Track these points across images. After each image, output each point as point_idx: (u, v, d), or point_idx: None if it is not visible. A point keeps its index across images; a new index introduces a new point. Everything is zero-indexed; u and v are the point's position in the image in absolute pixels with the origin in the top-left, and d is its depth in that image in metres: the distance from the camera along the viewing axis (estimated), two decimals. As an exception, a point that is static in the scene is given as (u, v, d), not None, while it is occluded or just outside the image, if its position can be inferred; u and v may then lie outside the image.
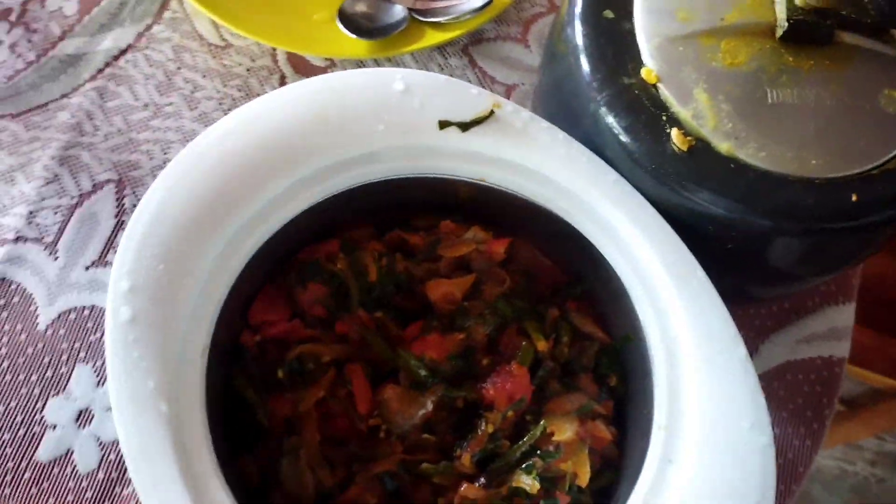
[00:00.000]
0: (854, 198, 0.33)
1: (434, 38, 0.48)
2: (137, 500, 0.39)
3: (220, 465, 0.31)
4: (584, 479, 0.34)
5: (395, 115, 0.35)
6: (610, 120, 0.35)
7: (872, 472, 1.17)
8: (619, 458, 0.36)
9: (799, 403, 0.42)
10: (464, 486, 0.34)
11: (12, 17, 0.50)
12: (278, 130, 0.35)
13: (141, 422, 0.30)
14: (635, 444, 0.35)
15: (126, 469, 0.39)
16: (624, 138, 0.34)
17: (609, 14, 0.37)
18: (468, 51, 0.51)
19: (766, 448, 0.30)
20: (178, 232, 0.33)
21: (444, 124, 0.35)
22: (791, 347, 0.44)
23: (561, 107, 0.39)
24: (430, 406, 0.35)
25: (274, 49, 0.50)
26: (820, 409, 0.42)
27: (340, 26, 0.48)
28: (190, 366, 0.32)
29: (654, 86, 0.35)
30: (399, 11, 0.49)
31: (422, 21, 0.49)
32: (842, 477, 1.17)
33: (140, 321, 0.31)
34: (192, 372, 0.32)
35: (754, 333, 0.44)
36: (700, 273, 0.33)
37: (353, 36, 0.47)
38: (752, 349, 0.44)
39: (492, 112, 0.36)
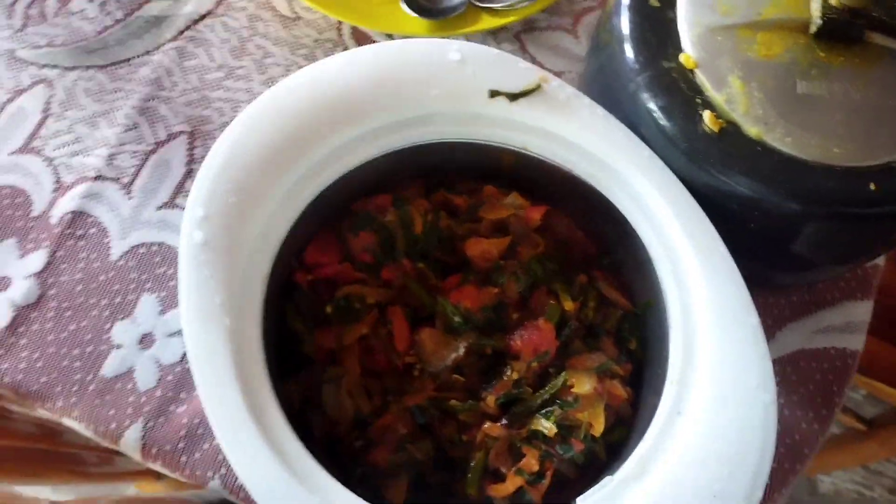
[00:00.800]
0: (872, 187, 0.35)
1: (489, 22, 0.52)
2: (189, 419, 0.43)
3: (269, 380, 0.34)
4: (598, 429, 0.37)
5: (449, 82, 0.39)
6: (647, 99, 0.38)
7: (891, 498, 1.17)
8: (632, 417, 0.39)
9: (810, 389, 0.45)
10: (487, 425, 0.37)
11: (105, -21, 0.54)
12: (341, 89, 0.38)
13: (207, 331, 0.33)
14: (649, 401, 0.37)
15: (180, 389, 0.43)
16: (659, 117, 0.37)
17: (654, 3, 0.39)
18: (520, 37, 0.54)
19: (769, 405, 0.33)
20: (248, 171, 0.36)
21: (494, 93, 0.39)
22: (807, 336, 0.46)
23: (603, 90, 0.42)
24: (461, 350, 0.38)
25: (340, 23, 0.54)
26: (829, 397, 0.44)
27: (403, 5, 0.51)
28: (252, 289, 0.35)
29: (692, 71, 0.38)
30: (459, -4, 0.52)
31: (479, 6, 0.52)
32: (860, 502, 1.17)
33: (211, 245, 0.35)
34: (254, 295, 0.35)
35: (772, 321, 0.46)
36: (721, 247, 0.36)
37: (415, 15, 0.51)
38: (770, 335, 0.46)
39: (539, 86, 0.39)
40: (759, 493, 0.31)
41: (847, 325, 0.46)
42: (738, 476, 0.32)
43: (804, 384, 0.45)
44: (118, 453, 0.50)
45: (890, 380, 0.83)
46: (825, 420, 0.44)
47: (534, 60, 0.53)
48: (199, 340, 0.33)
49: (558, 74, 0.52)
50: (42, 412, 0.48)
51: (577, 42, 0.54)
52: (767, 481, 0.41)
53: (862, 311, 0.46)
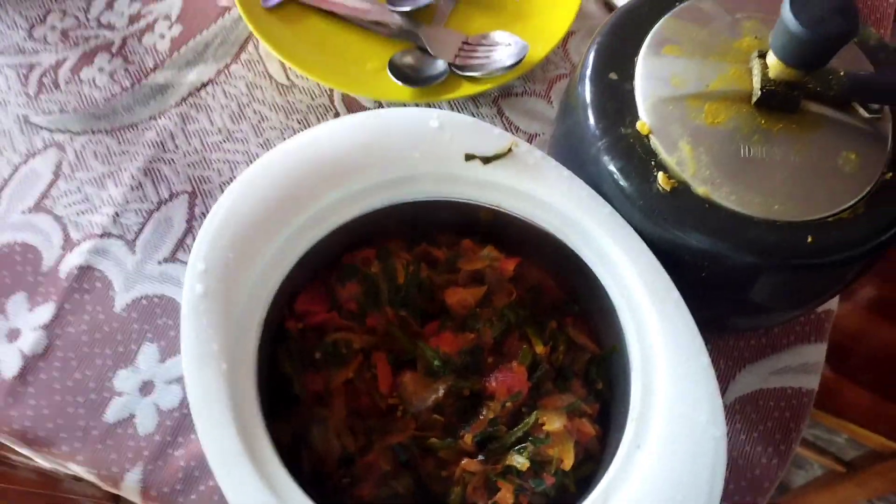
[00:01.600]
0: (810, 239, 0.39)
1: (469, 89, 0.56)
2: (186, 462, 0.46)
3: (262, 420, 0.37)
4: (568, 463, 0.40)
5: (429, 146, 0.43)
6: (608, 162, 0.42)
7: (876, 541, 1.18)
8: (600, 453, 0.42)
9: (769, 426, 0.48)
10: (464, 461, 0.40)
11: (113, 50, 0.59)
12: (331, 153, 0.42)
13: (205, 376, 0.36)
14: (615, 438, 0.40)
15: (178, 434, 0.46)
16: (618, 178, 0.41)
17: (614, 76, 0.44)
18: (498, 102, 0.59)
19: (719, 439, 0.36)
20: (245, 228, 0.40)
21: (469, 157, 0.43)
22: (765, 377, 0.49)
23: (569, 151, 0.46)
24: (441, 392, 0.41)
25: (331, 90, 0.58)
26: (787, 433, 0.47)
27: (390, 75, 0.56)
28: (247, 336, 0.39)
29: (647, 136, 0.42)
30: (441, 65, 0.57)
31: (459, 74, 0.57)
32: (845, 544, 1.18)
33: (209, 296, 0.38)
34: (248, 340, 0.39)
35: (732, 363, 0.50)
36: (675, 294, 0.40)
37: (400, 83, 0.55)
38: (730, 377, 0.49)
39: (510, 150, 0.43)
40: (711, 520, 0.34)
41: (802, 366, 0.49)
42: (691, 502, 0.34)
43: (763, 422, 0.48)
44: (117, 501, 0.52)
45: (868, 425, 0.86)
46: (784, 455, 0.47)
47: (511, 123, 0.58)
48: (198, 384, 0.36)
49: (533, 136, 0.57)
50: (45, 459, 0.50)
51: (550, 107, 0.58)
52: (729, 514, 0.44)
53: (816, 353, 0.50)
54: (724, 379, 0.49)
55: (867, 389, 0.87)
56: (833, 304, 0.52)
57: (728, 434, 0.47)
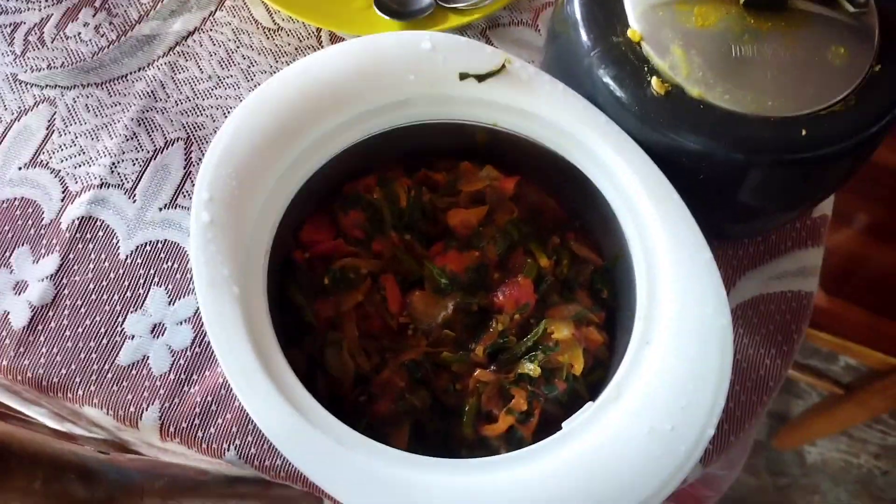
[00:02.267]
0: (804, 132, 0.40)
1: (455, 21, 0.56)
2: (202, 397, 0.46)
3: (277, 342, 0.38)
4: (578, 369, 0.41)
5: (423, 68, 0.43)
6: (601, 72, 0.42)
7: (876, 464, 1.21)
8: (609, 359, 0.43)
9: (770, 329, 0.49)
10: (477, 372, 0.41)
11: (97, 4, 0.58)
12: (325, 80, 0.42)
13: (218, 300, 0.37)
14: (622, 343, 0.41)
15: (192, 371, 0.47)
16: (612, 86, 0.42)
17: (602, -12, 0.44)
18: (486, 34, 0.59)
19: (724, 327, 0.37)
20: (246, 157, 0.40)
21: (463, 76, 0.43)
22: (764, 283, 0.50)
23: (562, 71, 0.46)
24: (450, 308, 0.42)
25: (319, 31, 0.58)
26: (789, 334, 0.48)
27: (376, 10, 0.56)
28: (255, 260, 0.39)
29: (638, 43, 0.42)
30: (426, -1, 0.57)
31: (445, 7, 0.57)
32: (847, 469, 1.21)
33: (216, 223, 0.38)
34: (257, 265, 0.39)
35: (732, 271, 0.50)
36: (675, 195, 0.40)
37: (387, 18, 0.55)
38: (731, 284, 0.50)
39: (503, 66, 0.43)
40: (721, 402, 0.35)
41: (800, 269, 0.50)
42: (702, 390, 0.35)
43: (765, 325, 0.49)
44: (128, 451, 0.53)
45: (865, 342, 0.87)
46: (787, 355, 0.48)
47: (499, 54, 0.58)
48: (213, 307, 0.37)
49: (522, 65, 0.57)
50: (59, 410, 0.51)
51: (538, 35, 0.58)
52: (738, 412, 0.45)
53: (813, 256, 0.51)
54: (726, 286, 0.49)
55: (866, 310, 0.88)
56: (828, 208, 0.52)
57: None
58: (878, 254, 0.90)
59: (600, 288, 0.44)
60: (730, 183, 0.42)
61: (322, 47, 0.58)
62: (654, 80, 0.41)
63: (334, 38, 0.58)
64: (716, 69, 0.41)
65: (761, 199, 0.44)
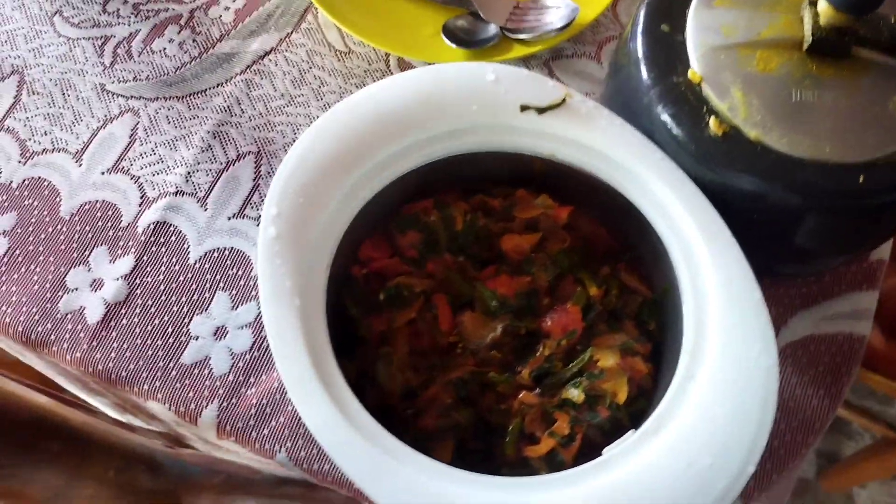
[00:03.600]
0: (861, 180, 0.40)
1: (520, 51, 0.58)
2: (258, 399, 0.49)
3: (333, 353, 0.40)
4: (621, 398, 0.42)
5: (485, 99, 0.45)
6: (660, 110, 0.43)
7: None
8: (652, 389, 0.44)
9: (820, 370, 0.49)
10: (522, 394, 0.42)
11: (182, 22, 0.62)
12: (390, 107, 0.44)
13: (280, 310, 0.39)
14: (667, 375, 0.42)
15: (250, 374, 0.49)
16: (670, 124, 0.43)
17: (665, 28, 0.45)
18: (548, 64, 0.60)
19: (770, 368, 0.37)
20: (313, 176, 0.43)
21: (524, 108, 0.44)
22: (816, 323, 0.50)
23: (621, 105, 0.47)
24: (498, 330, 0.43)
25: (387, 55, 0.61)
26: (839, 376, 0.48)
27: (444, 38, 0.58)
28: (316, 275, 0.41)
29: (698, 84, 0.43)
30: (492, 28, 0.59)
31: (511, 38, 0.58)
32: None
33: (282, 238, 0.41)
34: (318, 281, 0.41)
35: (783, 309, 0.50)
36: (727, 233, 0.41)
37: (454, 46, 0.57)
38: (782, 323, 0.50)
39: (563, 100, 0.45)
40: (763, 441, 0.36)
41: (853, 312, 0.50)
42: (744, 427, 0.36)
43: (814, 366, 0.49)
44: (183, 445, 0.56)
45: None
46: (835, 397, 0.48)
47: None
48: (275, 316, 0.39)
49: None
50: (124, 402, 0.54)
51: (600, 67, 0.60)
52: (782, 451, 0.45)
53: (867, 300, 0.50)
54: (776, 325, 0.49)
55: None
56: (886, 252, 0.52)
57: (780, 378, 0.48)
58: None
59: (647, 320, 0.45)
60: (784, 225, 0.43)
61: (390, 71, 0.60)
62: (713, 121, 0.42)
63: (402, 63, 0.60)
64: (774, 113, 0.42)
65: (815, 242, 0.45)
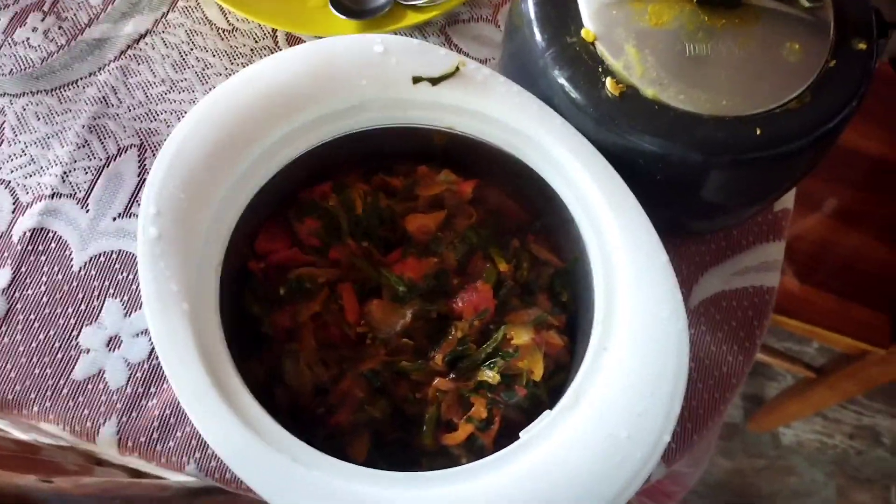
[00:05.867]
0: (758, 132, 0.40)
1: (414, 18, 0.55)
2: (161, 411, 0.46)
3: (230, 357, 0.37)
4: (538, 374, 0.40)
5: (376, 72, 0.42)
6: (556, 72, 0.41)
7: (851, 444, 1.23)
8: (569, 362, 0.43)
9: (733, 325, 0.49)
10: (437, 380, 0.40)
11: (45, 8, 0.57)
12: (277, 85, 0.41)
13: (167, 316, 0.36)
14: (582, 346, 0.41)
15: (149, 384, 0.46)
16: (567, 87, 0.41)
17: (556, -14, 0.43)
18: (445, 31, 0.58)
19: (681, 332, 0.36)
20: (194, 168, 0.39)
21: (417, 79, 0.42)
22: (726, 279, 0.50)
23: (519, 70, 0.46)
24: (408, 316, 0.42)
25: (275, 31, 0.57)
26: (751, 330, 0.49)
27: (332, 9, 0.55)
28: (206, 276, 0.38)
29: (592, 43, 0.41)
30: (383, -4, 0.56)
31: (403, 4, 0.56)
32: (822, 450, 1.23)
33: (165, 238, 0.38)
34: (208, 282, 0.38)
35: (694, 268, 0.50)
36: (631, 198, 0.40)
37: (344, 17, 0.54)
38: (694, 281, 0.50)
39: (457, 69, 0.42)
40: (677, 409, 0.35)
41: (762, 264, 0.50)
42: (658, 395, 0.35)
43: (727, 321, 0.49)
44: (99, 462, 0.52)
45: (834, 327, 0.88)
46: (749, 352, 0.48)
47: (459, 51, 0.57)
48: (161, 325, 0.36)
49: (483, 62, 0.56)
50: (18, 424, 0.50)
51: (498, 31, 0.58)
52: (701, 410, 0.45)
53: (775, 251, 0.51)
54: (688, 283, 0.50)
55: (835, 295, 0.89)
56: (789, 202, 0.52)
57: (694, 336, 0.48)
58: (846, 238, 0.91)
59: (560, 291, 0.44)
60: (687, 183, 0.42)
61: (278, 47, 0.57)
62: (609, 81, 0.40)
63: (291, 39, 0.57)
64: (670, 69, 0.41)
65: (720, 197, 0.44)
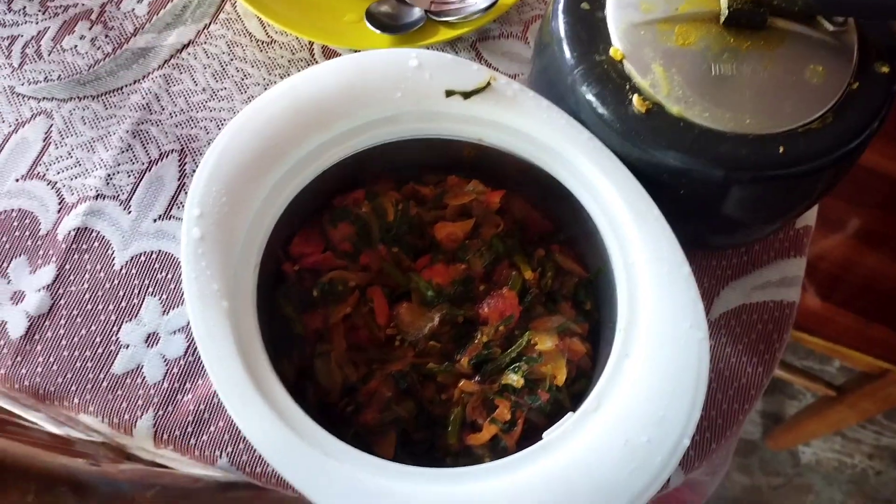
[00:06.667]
0: (781, 150, 0.41)
1: (446, 34, 0.57)
2: (195, 406, 0.47)
3: (266, 354, 0.39)
4: (560, 379, 0.42)
5: (410, 85, 0.44)
6: (584, 89, 0.43)
7: (870, 464, 1.22)
8: (592, 369, 0.44)
9: (753, 338, 0.50)
10: (462, 382, 0.42)
11: (93, 17, 0.59)
12: (313, 97, 0.43)
13: (208, 314, 0.38)
14: (605, 354, 0.42)
15: (185, 380, 0.48)
16: (595, 103, 0.43)
17: (585, 6, 0.45)
18: (476, 46, 0.59)
19: (701, 341, 0.38)
20: (235, 173, 0.41)
21: (449, 93, 0.44)
22: (747, 293, 0.51)
23: (547, 85, 0.47)
24: (436, 320, 0.43)
25: (311, 44, 0.59)
26: (770, 343, 0.49)
27: (367, 24, 0.57)
28: (245, 275, 0.40)
29: (620, 62, 0.43)
30: (417, 12, 0.58)
31: (436, 20, 0.58)
32: (841, 469, 1.22)
33: (207, 239, 0.39)
34: (246, 282, 0.40)
35: (715, 281, 0.51)
36: (655, 210, 0.41)
37: (378, 32, 0.56)
38: (714, 294, 0.51)
39: (488, 83, 0.44)
40: (697, 415, 0.36)
41: (783, 280, 0.51)
42: (678, 402, 0.36)
43: (747, 334, 0.50)
44: (128, 458, 0.54)
45: (854, 346, 0.88)
46: (768, 364, 0.49)
47: (489, 66, 0.59)
48: (202, 322, 0.38)
49: (513, 77, 0.58)
50: (56, 416, 0.52)
51: (527, 47, 0.59)
52: (720, 420, 0.46)
53: (795, 267, 0.52)
54: (709, 296, 0.51)
55: (855, 314, 0.89)
56: (811, 219, 0.53)
57: (714, 347, 0.49)
58: (867, 258, 0.91)
59: (584, 300, 0.45)
60: (709, 198, 0.43)
61: (314, 59, 0.59)
62: (636, 98, 0.42)
63: (326, 51, 0.59)
64: (695, 87, 0.42)
65: (741, 213, 0.45)
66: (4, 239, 0.52)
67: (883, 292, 0.89)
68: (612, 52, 0.43)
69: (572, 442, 0.37)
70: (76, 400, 0.48)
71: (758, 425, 1.23)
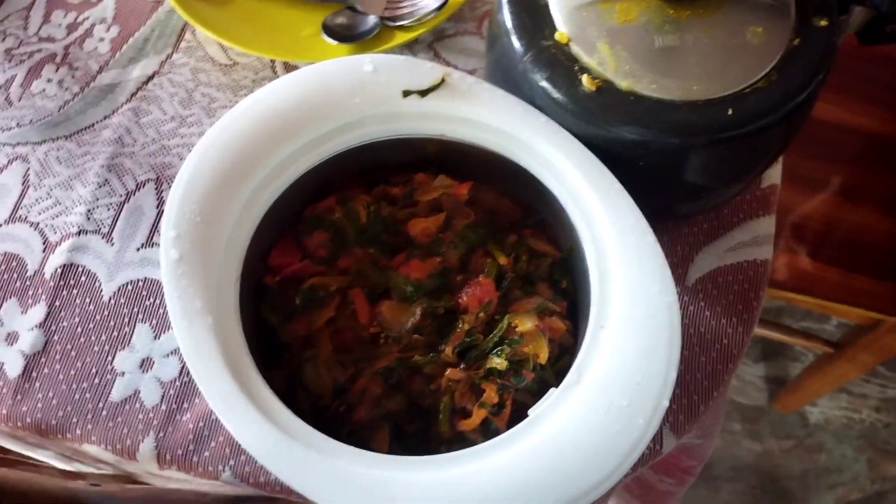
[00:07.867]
0: (730, 112, 0.42)
1: (402, 38, 0.58)
2: (195, 424, 0.48)
3: (254, 365, 0.40)
4: (543, 358, 0.43)
5: (368, 90, 0.45)
6: (535, 75, 0.44)
7: (878, 417, 1.23)
8: (573, 345, 0.45)
9: (730, 299, 0.51)
10: (448, 371, 0.43)
11: (57, 60, 0.61)
12: (275, 110, 0.44)
13: (193, 330, 0.39)
14: (584, 328, 0.43)
15: (182, 400, 0.49)
16: (547, 87, 0.44)
17: (529, -6, 0.46)
18: (433, 46, 0.61)
19: (671, 304, 0.39)
20: (207, 192, 0.43)
21: (406, 93, 0.45)
22: (721, 255, 0.52)
23: (502, 76, 0.48)
24: (417, 314, 0.44)
25: (273, 62, 0.60)
26: (748, 302, 0.51)
27: (325, 36, 0.58)
28: (226, 291, 0.41)
29: (567, 44, 0.44)
30: (372, 20, 0.59)
31: (391, 26, 0.59)
32: (850, 425, 1.23)
33: (185, 259, 0.41)
34: (228, 295, 0.41)
35: (689, 248, 0.52)
36: (616, 185, 0.42)
37: (336, 43, 0.58)
38: (689, 260, 0.52)
39: (443, 80, 0.45)
40: (674, 375, 0.37)
41: (754, 239, 0.52)
42: (655, 364, 0.38)
43: (725, 296, 0.51)
44: (136, 482, 0.55)
45: (842, 300, 0.89)
46: (747, 323, 0.50)
47: (448, 64, 0.60)
48: (189, 338, 0.39)
49: (472, 72, 0.59)
50: (62, 451, 0.53)
51: (483, 42, 0.61)
52: (706, 382, 0.47)
53: (766, 225, 0.53)
54: (683, 263, 0.52)
55: (844, 269, 0.90)
56: (776, 177, 0.54)
57: (693, 312, 0.50)
58: (850, 214, 0.92)
59: (559, 279, 0.46)
60: (668, 166, 0.45)
61: (277, 76, 0.60)
62: (585, 78, 0.43)
63: (289, 67, 0.60)
64: (642, 61, 0.43)
65: (702, 177, 0.46)
66: (-7, 283, 0.53)
67: (868, 245, 0.90)
68: (557, 36, 0.44)
69: (557, 414, 0.38)
70: (78, 431, 0.49)
71: (763, 391, 1.24)
